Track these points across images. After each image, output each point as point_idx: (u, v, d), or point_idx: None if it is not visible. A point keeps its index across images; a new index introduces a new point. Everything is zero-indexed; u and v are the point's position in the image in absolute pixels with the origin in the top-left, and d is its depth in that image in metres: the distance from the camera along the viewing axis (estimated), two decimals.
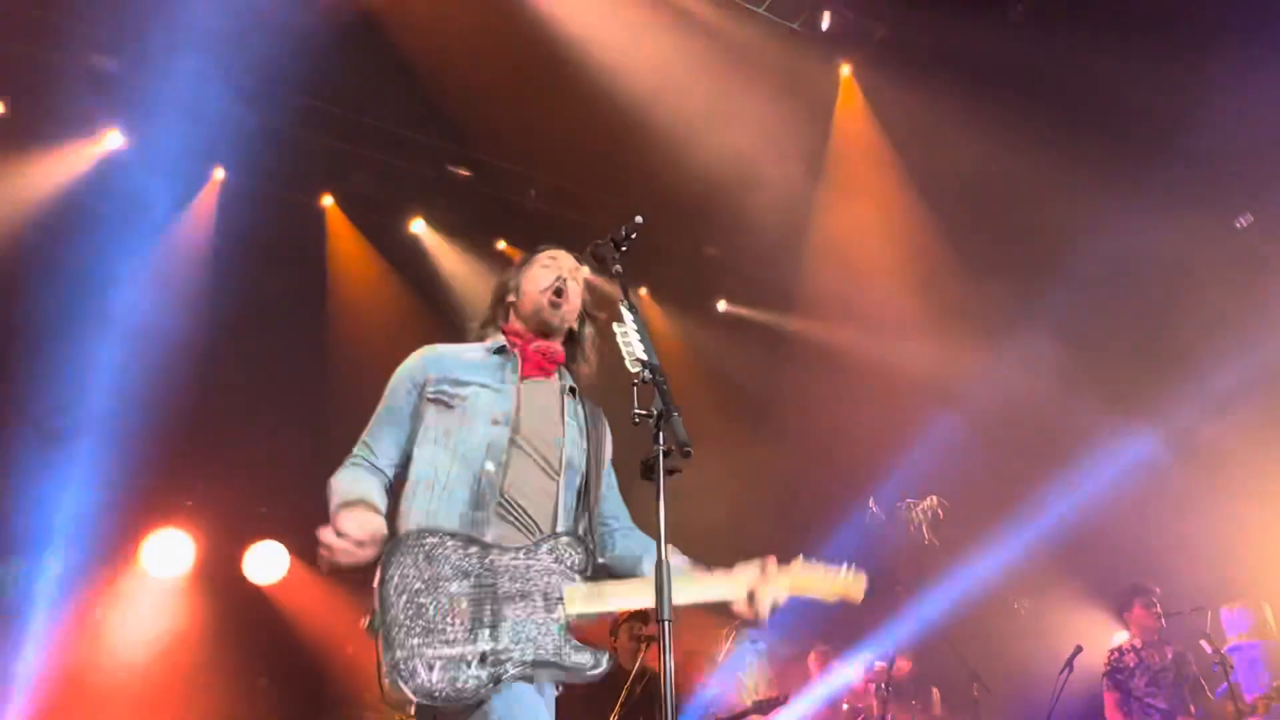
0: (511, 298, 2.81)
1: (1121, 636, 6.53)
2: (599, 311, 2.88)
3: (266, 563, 7.60)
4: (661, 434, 2.10)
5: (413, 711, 2.15)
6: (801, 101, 7.53)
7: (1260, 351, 6.66)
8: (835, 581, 2.57)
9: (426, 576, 2.23)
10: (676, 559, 2.54)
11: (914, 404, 7.99)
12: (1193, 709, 5.95)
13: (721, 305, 9.66)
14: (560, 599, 2.35)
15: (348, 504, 2.35)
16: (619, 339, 2.26)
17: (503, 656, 2.22)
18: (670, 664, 1.96)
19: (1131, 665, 6.09)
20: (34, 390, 6.55)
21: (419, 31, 6.55)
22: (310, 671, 7.36)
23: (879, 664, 6.64)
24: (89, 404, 6.52)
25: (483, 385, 2.58)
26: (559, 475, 2.57)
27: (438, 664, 2.14)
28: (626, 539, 2.73)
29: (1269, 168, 6.61)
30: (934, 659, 7.00)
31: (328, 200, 7.88)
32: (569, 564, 2.42)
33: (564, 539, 2.46)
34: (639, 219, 2.43)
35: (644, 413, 2.13)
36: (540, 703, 2.27)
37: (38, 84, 6.52)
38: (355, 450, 2.60)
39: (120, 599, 7.06)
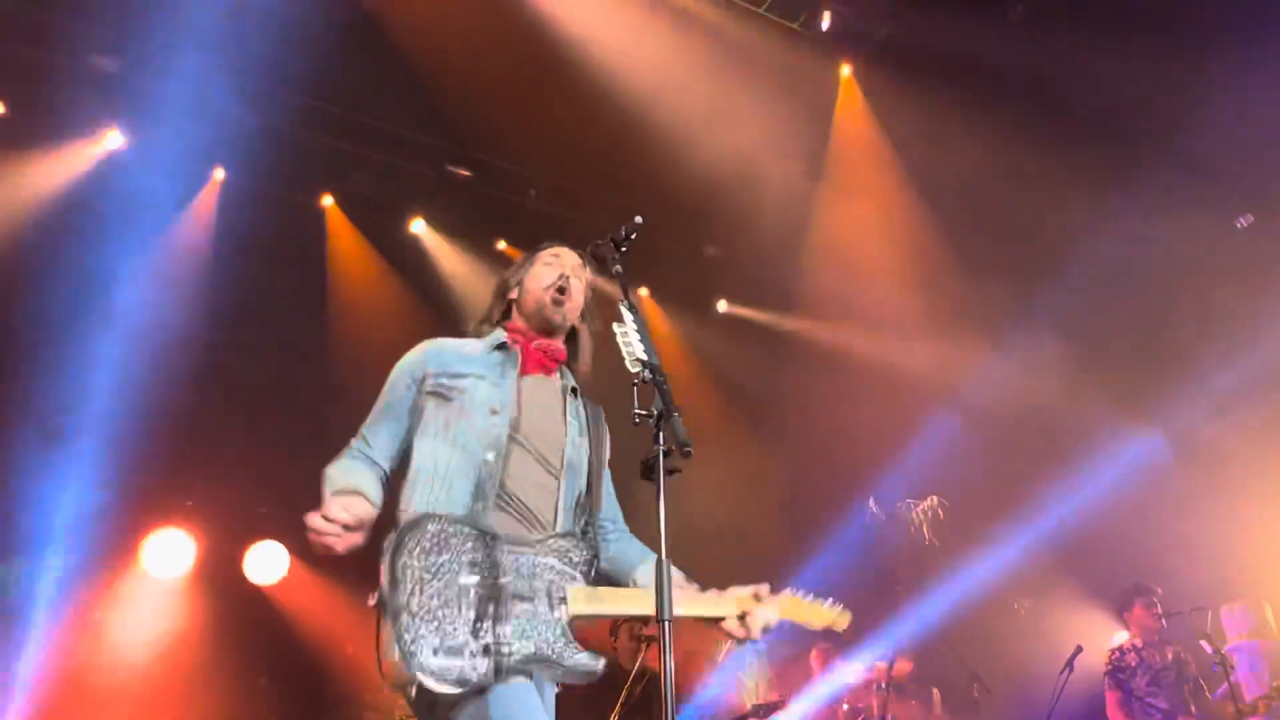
0: (513, 295, 2.80)
1: (1121, 636, 6.53)
2: (599, 312, 2.88)
3: (267, 563, 7.60)
4: (662, 434, 2.10)
5: (413, 694, 2.13)
6: (801, 101, 7.53)
7: (1260, 352, 6.67)
8: (822, 612, 2.66)
9: (438, 562, 2.23)
10: (673, 573, 2.55)
11: (914, 404, 7.99)
12: (1193, 709, 5.95)
13: (721, 305, 9.67)
14: (564, 599, 2.35)
15: (339, 492, 2.37)
16: (619, 339, 2.26)
17: (505, 649, 2.22)
18: (670, 664, 1.96)
19: (1133, 665, 6.09)
20: (35, 390, 6.55)
21: (419, 31, 6.55)
22: (310, 672, 7.36)
23: (879, 664, 6.63)
24: (90, 404, 6.52)
25: (480, 377, 2.58)
26: (560, 474, 2.57)
27: (442, 650, 2.14)
28: (620, 543, 2.73)
29: (1269, 168, 6.60)
30: (934, 659, 7.00)
31: (328, 200, 7.88)
32: (574, 564, 2.43)
33: (570, 538, 2.46)
34: (639, 219, 2.43)
35: (644, 413, 2.13)
36: (538, 702, 2.27)
37: (38, 84, 6.52)
38: (353, 441, 2.61)
39: (120, 599, 7.05)
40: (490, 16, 6.50)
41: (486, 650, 2.19)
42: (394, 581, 2.17)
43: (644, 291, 9.10)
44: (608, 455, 2.76)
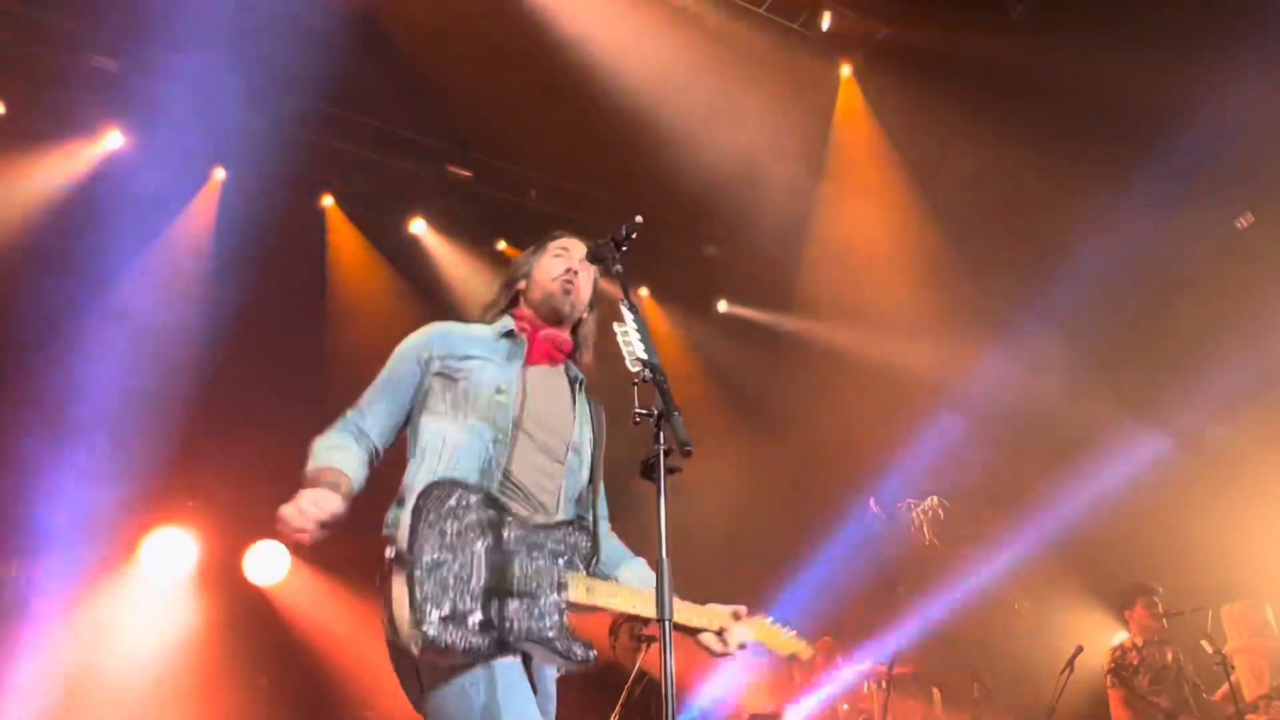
0: (522, 285, 2.81)
1: (1121, 636, 6.53)
2: (600, 308, 2.89)
3: (267, 563, 7.60)
4: (662, 433, 2.11)
5: (417, 653, 2.13)
6: (801, 101, 7.54)
7: (1262, 352, 6.66)
8: (789, 641, 2.79)
9: (456, 529, 2.25)
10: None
11: (915, 403, 7.99)
12: (1194, 708, 5.95)
13: (722, 305, 9.67)
14: (564, 585, 2.37)
15: (320, 469, 2.38)
16: (619, 338, 2.26)
17: (507, 625, 2.23)
18: (671, 664, 1.96)
19: (1135, 663, 6.09)
20: (35, 390, 6.55)
21: (419, 31, 6.55)
22: (310, 672, 7.36)
23: (879, 664, 6.63)
24: (90, 404, 6.52)
25: (486, 359, 2.58)
26: (564, 462, 2.58)
27: (451, 615, 2.15)
28: (608, 542, 2.74)
29: (1269, 168, 6.60)
30: (934, 659, 7.00)
31: (328, 200, 7.89)
32: (576, 552, 2.45)
33: (573, 527, 2.48)
34: (639, 219, 2.43)
35: (644, 412, 2.13)
36: (526, 686, 2.27)
37: (38, 84, 6.53)
38: (348, 411, 2.59)
39: (121, 599, 7.05)
40: (490, 16, 6.51)
41: (490, 623, 2.21)
42: (413, 540, 2.18)
43: (644, 291, 9.10)
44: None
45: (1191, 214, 6.75)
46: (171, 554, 7.28)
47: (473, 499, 2.31)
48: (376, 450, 2.56)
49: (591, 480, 2.67)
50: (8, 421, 6.47)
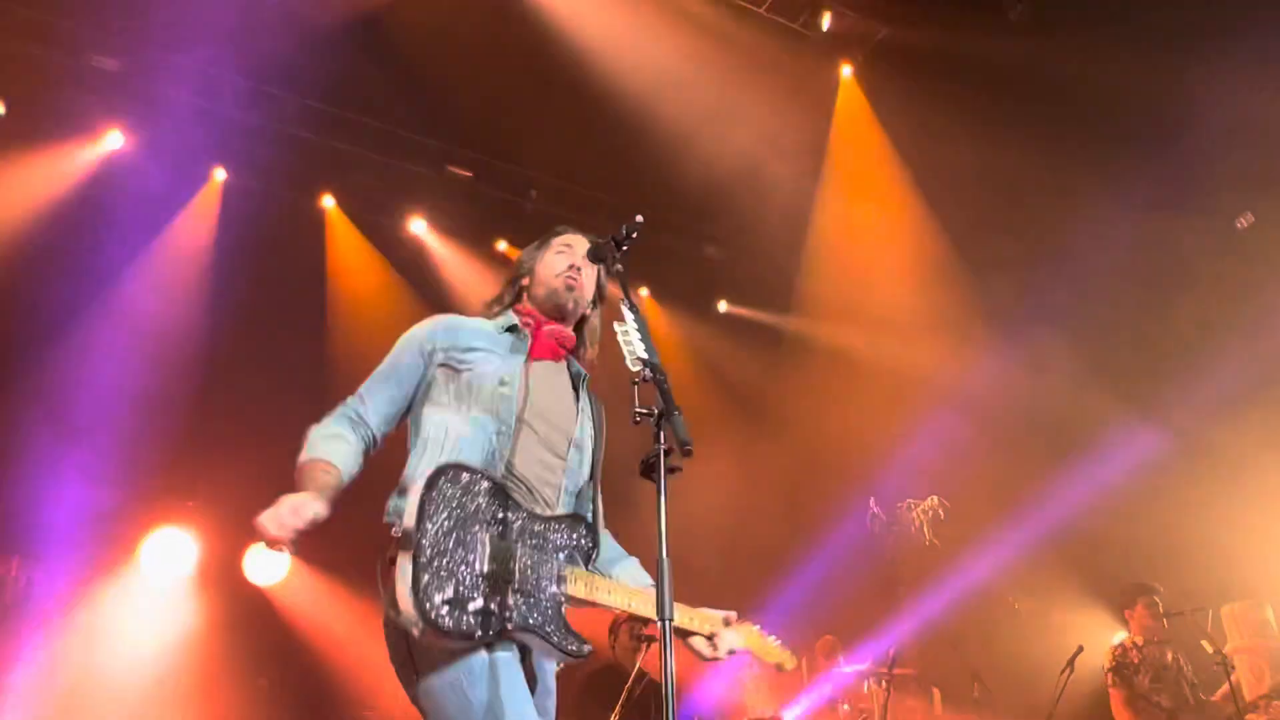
0: (525, 280, 2.81)
1: (1122, 636, 6.53)
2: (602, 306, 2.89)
3: (267, 563, 7.59)
4: (662, 433, 2.11)
5: (416, 634, 2.12)
6: (802, 101, 7.54)
7: (1262, 351, 6.66)
8: (776, 650, 2.80)
9: (462, 514, 2.25)
10: (649, 579, 2.60)
11: (915, 403, 7.99)
12: (1194, 708, 5.95)
13: (722, 305, 9.67)
14: (563, 578, 2.37)
15: (309, 461, 2.40)
16: (620, 338, 2.26)
17: (506, 614, 2.23)
18: (671, 663, 1.96)
19: (1136, 662, 6.08)
20: (37, 390, 6.55)
21: (420, 32, 6.55)
22: (310, 672, 7.36)
23: (879, 664, 6.63)
24: (91, 404, 6.53)
25: (489, 351, 2.59)
26: (565, 457, 2.59)
27: (453, 599, 2.15)
28: (603, 539, 2.74)
29: (1269, 168, 6.60)
30: (934, 659, 7.00)
31: (328, 200, 7.89)
32: (576, 547, 2.45)
33: (574, 521, 2.48)
34: (639, 218, 2.43)
35: (645, 411, 2.13)
36: (524, 684, 2.27)
37: (38, 84, 6.53)
38: (349, 399, 2.59)
39: (121, 599, 7.05)
40: (491, 17, 6.51)
41: (490, 610, 2.21)
42: (421, 520, 2.18)
43: (644, 291, 9.11)
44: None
45: (1191, 214, 6.74)
46: (171, 554, 7.28)
47: (483, 484, 2.32)
48: (375, 438, 2.56)
49: (591, 477, 2.68)
50: (8, 421, 6.47)
